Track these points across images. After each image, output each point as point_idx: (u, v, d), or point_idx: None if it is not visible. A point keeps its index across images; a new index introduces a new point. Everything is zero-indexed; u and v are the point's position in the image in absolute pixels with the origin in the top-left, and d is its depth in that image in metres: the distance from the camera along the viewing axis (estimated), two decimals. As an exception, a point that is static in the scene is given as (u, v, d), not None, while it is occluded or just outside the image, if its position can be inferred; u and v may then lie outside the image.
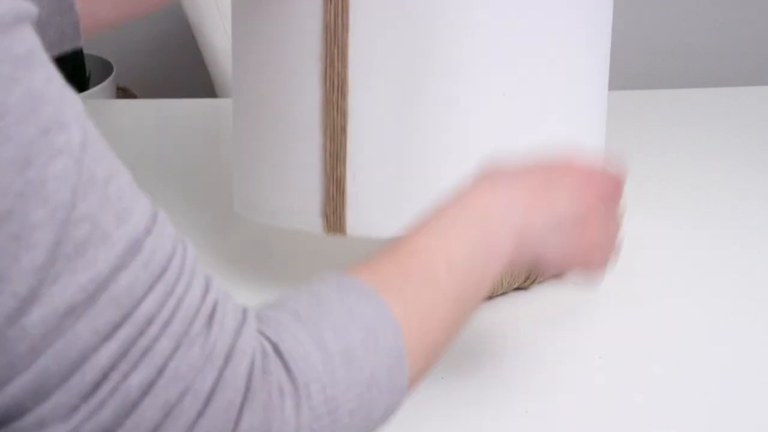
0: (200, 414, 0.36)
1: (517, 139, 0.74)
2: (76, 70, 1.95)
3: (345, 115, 0.73)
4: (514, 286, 0.81)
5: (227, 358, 0.37)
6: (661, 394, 0.70)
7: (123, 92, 2.13)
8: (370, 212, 0.72)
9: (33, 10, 0.34)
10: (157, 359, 0.35)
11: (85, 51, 1.99)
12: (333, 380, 0.41)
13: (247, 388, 0.38)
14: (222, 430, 0.37)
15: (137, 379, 0.35)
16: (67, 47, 0.67)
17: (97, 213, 0.34)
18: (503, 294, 0.81)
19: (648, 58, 2.21)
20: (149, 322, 0.35)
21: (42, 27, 0.51)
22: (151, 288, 0.36)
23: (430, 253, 0.48)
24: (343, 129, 0.73)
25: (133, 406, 0.35)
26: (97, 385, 0.34)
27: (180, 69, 2.23)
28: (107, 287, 0.34)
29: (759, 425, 0.67)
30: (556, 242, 0.54)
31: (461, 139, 0.74)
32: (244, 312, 0.41)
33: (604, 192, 0.58)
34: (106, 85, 1.91)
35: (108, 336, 0.34)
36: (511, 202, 0.52)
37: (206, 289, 0.38)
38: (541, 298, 0.84)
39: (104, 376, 0.34)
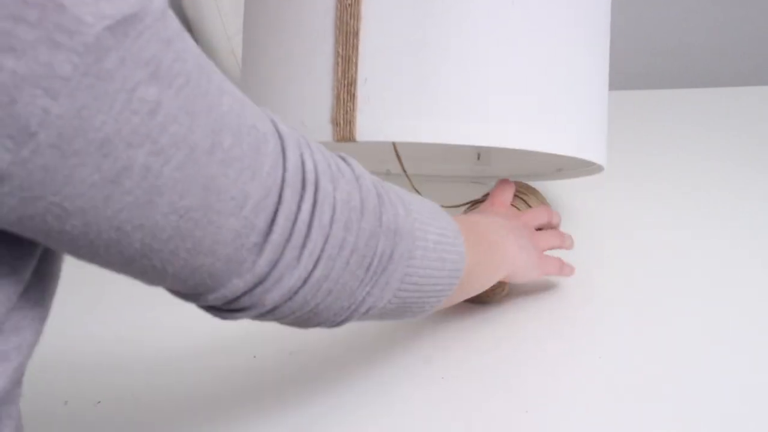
0: (360, 220, 0.51)
1: (524, 48, 0.76)
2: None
3: (358, 19, 0.75)
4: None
5: (358, 181, 0.52)
6: (661, 394, 0.70)
7: (123, 92, 2.12)
8: (380, 116, 0.73)
9: None
10: (330, 198, 0.49)
11: (85, 51, 1.99)
12: (421, 211, 0.58)
13: (378, 195, 0.53)
14: (374, 227, 0.52)
15: (326, 217, 0.48)
16: None
17: (255, 121, 0.45)
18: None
19: (648, 58, 2.21)
20: (317, 177, 0.48)
21: None
22: (302, 155, 0.48)
23: (479, 230, 0.71)
24: (356, 33, 0.75)
25: (328, 234, 0.49)
26: (307, 236, 0.48)
27: (180, 69, 2.22)
28: (285, 166, 0.46)
29: (759, 425, 0.67)
30: (526, 253, 0.77)
31: (471, 44, 0.75)
32: (341, 155, 0.54)
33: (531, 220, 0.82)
34: (106, 85, 1.91)
35: (301, 198, 0.47)
36: (513, 233, 0.76)
37: (318, 145, 0.51)
38: (542, 298, 0.84)
39: (309, 226, 0.48)
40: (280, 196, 0.46)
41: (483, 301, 0.81)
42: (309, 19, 0.77)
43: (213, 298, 0.47)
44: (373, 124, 0.76)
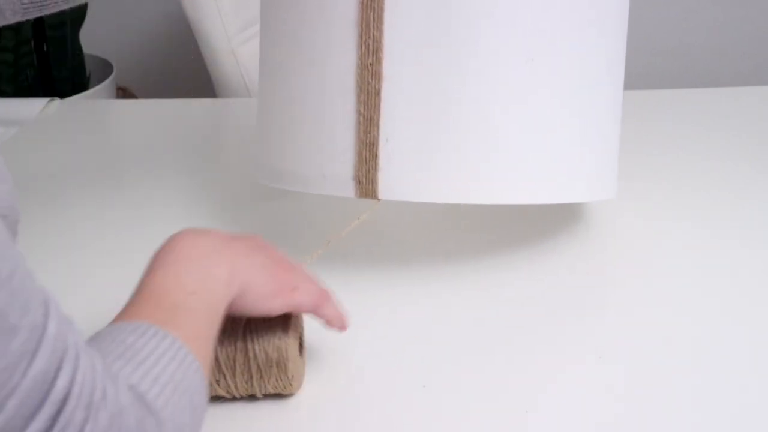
0: None
1: (542, 106, 0.76)
2: (76, 70, 1.95)
3: (379, 79, 0.74)
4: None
5: (120, 414, 0.43)
6: (661, 394, 0.70)
7: (123, 92, 2.13)
8: (402, 176, 0.72)
9: None
10: (75, 429, 0.40)
11: (85, 51, 1.99)
12: (175, 408, 0.48)
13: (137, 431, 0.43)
14: None
15: None
16: None
17: (5, 308, 0.37)
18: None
19: (648, 58, 2.21)
20: (65, 398, 0.40)
21: None
22: (60, 367, 0.40)
23: (170, 291, 0.56)
24: (378, 92, 0.74)
25: None
26: None
27: (180, 69, 2.23)
28: (26, 372, 0.38)
29: (759, 425, 0.67)
30: (262, 274, 0.62)
31: (492, 104, 0.75)
32: (111, 372, 0.45)
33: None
34: (106, 85, 1.91)
35: (32, 416, 0.38)
36: (220, 245, 0.61)
37: (95, 362, 0.43)
38: (542, 297, 0.84)
39: None
40: (5, 403, 0.37)
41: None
42: (330, 78, 0.77)
43: None
44: (396, 182, 0.76)
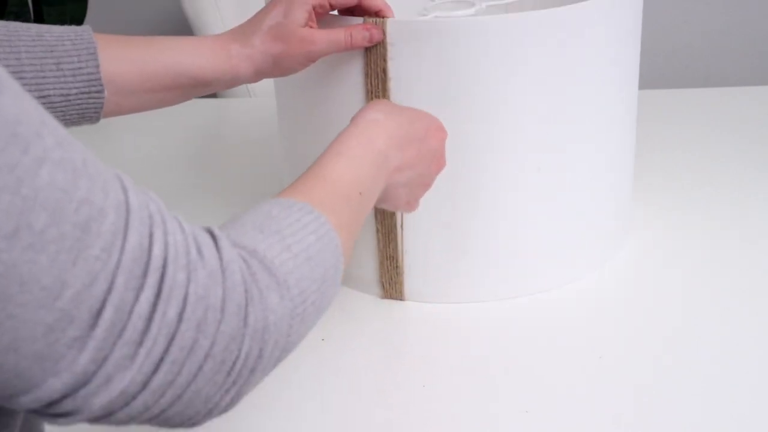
0: (220, 322, 0.42)
1: (551, 213, 0.81)
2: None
3: None
4: None
5: (224, 272, 0.43)
6: (661, 394, 0.70)
7: (123, 92, 2.12)
8: (423, 283, 0.76)
9: None
10: (181, 290, 0.41)
11: (85, 51, 1.99)
12: (302, 275, 0.48)
13: (246, 291, 0.44)
14: (237, 330, 0.43)
15: (172, 312, 0.41)
16: (80, 124, 0.71)
17: (89, 194, 0.38)
18: None
19: (648, 58, 2.20)
20: (164, 263, 0.41)
21: (67, 104, 0.67)
22: (151, 235, 0.41)
23: (346, 183, 0.58)
24: (392, 213, 0.80)
25: (175, 333, 0.41)
26: (145, 332, 0.40)
27: (180, 69, 2.22)
28: (123, 248, 0.39)
29: (759, 425, 0.67)
30: (403, 192, 0.69)
31: (501, 216, 0.80)
32: (212, 232, 0.46)
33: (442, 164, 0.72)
34: (106, 85, 1.91)
35: (141, 287, 0.40)
36: (394, 157, 0.65)
37: (181, 222, 0.44)
38: (542, 298, 0.84)
39: (148, 320, 0.40)
40: (110, 284, 0.39)
41: None
42: None
43: (27, 401, 0.39)
44: (418, 289, 0.80)
